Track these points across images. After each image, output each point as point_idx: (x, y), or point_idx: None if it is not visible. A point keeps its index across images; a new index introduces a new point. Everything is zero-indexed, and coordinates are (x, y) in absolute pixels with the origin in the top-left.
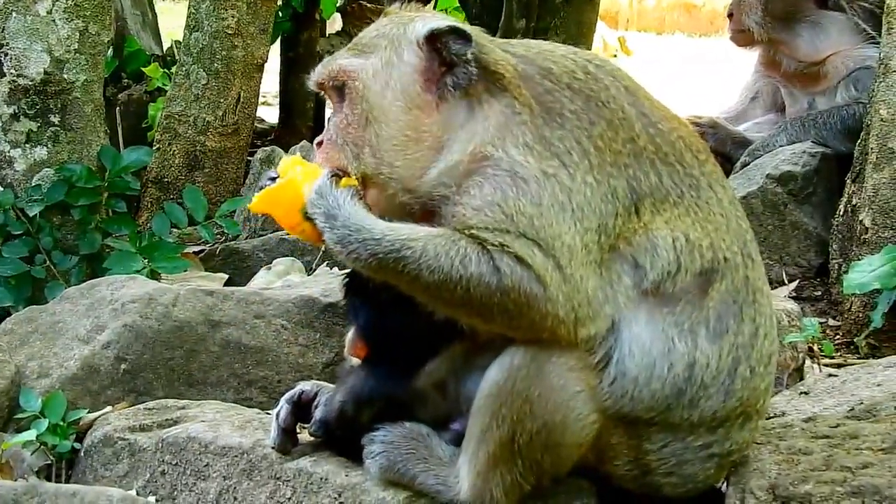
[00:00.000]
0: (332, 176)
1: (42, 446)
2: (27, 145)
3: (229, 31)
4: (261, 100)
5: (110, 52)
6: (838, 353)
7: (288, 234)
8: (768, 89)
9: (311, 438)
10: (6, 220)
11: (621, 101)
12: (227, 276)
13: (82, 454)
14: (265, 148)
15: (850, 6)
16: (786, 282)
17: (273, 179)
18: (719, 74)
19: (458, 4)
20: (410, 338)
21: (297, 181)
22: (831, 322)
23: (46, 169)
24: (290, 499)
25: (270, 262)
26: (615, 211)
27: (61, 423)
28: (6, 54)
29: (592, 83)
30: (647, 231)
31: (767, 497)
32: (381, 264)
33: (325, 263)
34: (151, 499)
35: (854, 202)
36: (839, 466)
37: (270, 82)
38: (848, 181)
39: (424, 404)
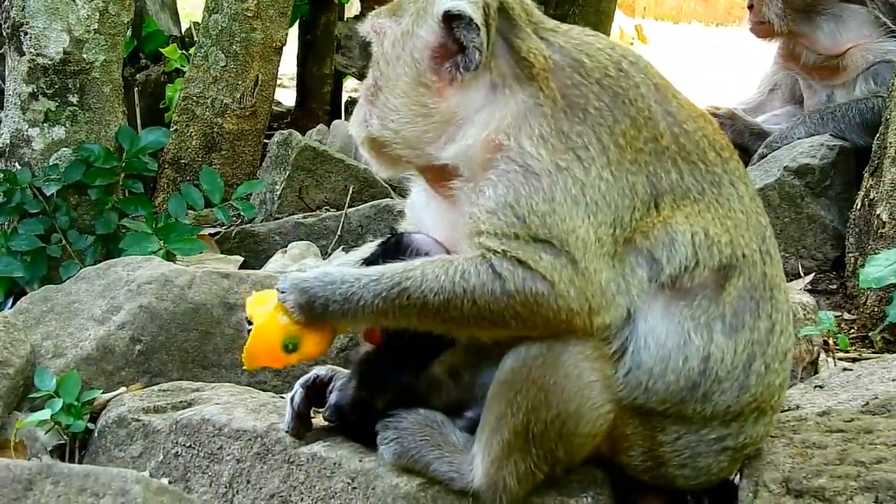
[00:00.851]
0: (288, 279)
1: (56, 426)
2: (45, 124)
3: (248, 14)
4: (278, 82)
5: (129, 32)
6: (853, 347)
7: (304, 219)
8: (787, 81)
9: (325, 423)
10: (23, 198)
11: (648, 100)
12: (242, 259)
13: (96, 434)
14: (282, 131)
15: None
16: (801, 275)
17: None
18: (736, 64)
19: None
20: None
21: (263, 325)
22: (846, 316)
23: (64, 148)
24: (303, 483)
25: (286, 246)
26: (632, 205)
27: (75, 403)
28: (26, 33)
29: (623, 80)
30: (665, 225)
31: (781, 490)
32: (387, 301)
33: (340, 248)
34: (164, 480)
35: (871, 196)
36: (853, 461)
37: (288, 65)
38: (866, 175)
39: (439, 391)
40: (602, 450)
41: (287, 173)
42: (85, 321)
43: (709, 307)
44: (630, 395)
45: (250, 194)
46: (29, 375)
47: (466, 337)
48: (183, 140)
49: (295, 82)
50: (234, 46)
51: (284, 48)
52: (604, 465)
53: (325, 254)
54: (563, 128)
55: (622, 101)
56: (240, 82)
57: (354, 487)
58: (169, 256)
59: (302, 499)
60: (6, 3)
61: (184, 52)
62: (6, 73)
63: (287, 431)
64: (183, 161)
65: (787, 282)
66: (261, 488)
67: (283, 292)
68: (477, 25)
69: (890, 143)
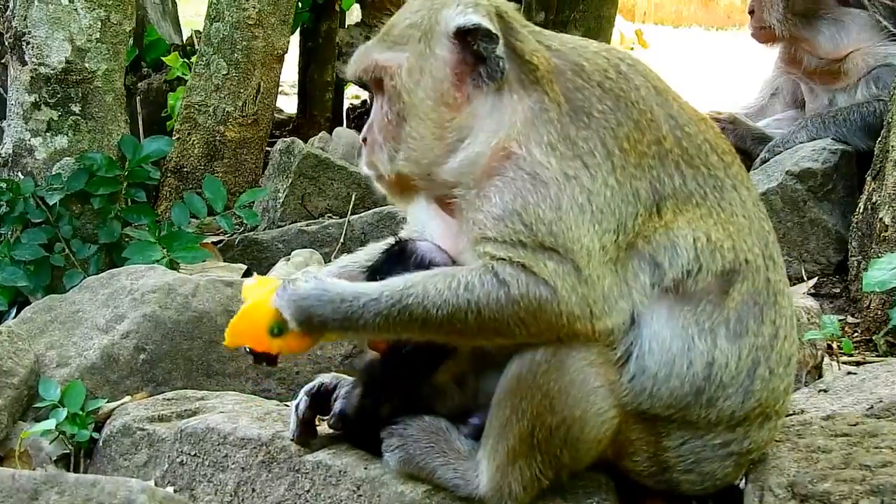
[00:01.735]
0: (288, 281)
1: (61, 435)
2: (48, 134)
3: (250, 22)
4: (279, 90)
5: (131, 41)
6: (857, 351)
7: (307, 226)
8: (788, 86)
9: (330, 431)
10: (26, 207)
11: (650, 103)
12: (245, 267)
13: (101, 444)
14: (284, 139)
15: (872, 3)
16: (805, 279)
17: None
18: (737, 68)
19: None
20: None
21: (253, 305)
22: (850, 319)
23: (67, 158)
24: (308, 491)
25: (289, 253)
26: (636, 211)
27: (80, 413)
28: (28, 43)
29: (623, 83)
30: (667, 230)
31: (786, 495)
32: (389, 319)
33: (343, 255)
34: (170, 489)
35: (874, 199)
36: (858, 465)
37: (289, 72)
38: (868, 178)
39: (443, 398)
40: (607, 455)
41: (290, 181)
42: (89, 330)
43: (713, 312)
44: (635, 401)
45: (253, 202)
46: (33, 385)
47: (468, 347)
48: (185, 148)
49: (297, 90)
50: (235, 54)
51: (286, 56)
52: (609, 470)
53: (328, 261)
54: (570, 133)
55: (625, 104)
56: (242, 90)
57: (360, 495)
58: (172, 265)
59: None
60: (8, 12)
61: (185, 60)
62: (8, 82)
63: (292, 439)
64: (185, 169)
65: (791, 286)
66: (266, 497)
67: (280, 307)
68: (494, 35)
69: (892, 146)
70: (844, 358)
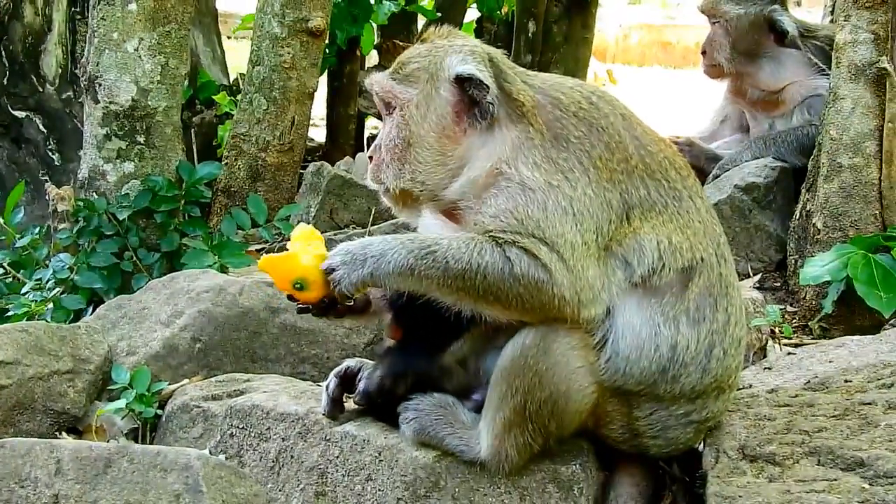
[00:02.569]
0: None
1: (130, 413)
2: (117, 161)
3: (286, 66)
4: (311, 122)
5: (186, 82)
6: (795, 335)
7: (335, 236)
8: (735, 113)
9: (356, 407)
10: (100, 222)
11: (618, 127)
12: None
13: (164, 419)
14: (315, 163)
15: (804, 44)
16: (751, 275)
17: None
18: (691, 100)
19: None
20: (438, 322)
21: (294, 256)
22: (789, 308)
23: (134, 180)
24: (338, 457)
25: None
26: (609, 218)
27: (146, 394)
28: (100, 84)
29: (594, 112)
30: (635, 235)
31: (738, 456)
32: (417, 259)
33: None
34: (222, 457)
35: (808, 208)
36: (798, 430)
37: (319, 107)
38: (803, 190)
39: (450, 378)
40: (587, 424)
41: (320, 198)
42: (153, 324)
43: (675, 303)
44: (611, 379)
45: (289, 216)
46: (107, 371)
47: (473, 311)
48: (232, 172)
49: (325, 122)
50: (273, 93)
51: (316, 93)
52: (589, 437)
53: None
54: (552, 155)
55: (597, 129)
56: (279, 123)
57: (381, 460)
58: (223, 269)
59: (337, 470)
60: (84, 59)
61: (232, 98)
62: (84, 117)
63: (324, 414)
64: (233, 189)
65: (739, 280)
66: (302, 462)
67: (332, 256)
68: (486, 85)
69: (823, 163)
70: (785, 341)
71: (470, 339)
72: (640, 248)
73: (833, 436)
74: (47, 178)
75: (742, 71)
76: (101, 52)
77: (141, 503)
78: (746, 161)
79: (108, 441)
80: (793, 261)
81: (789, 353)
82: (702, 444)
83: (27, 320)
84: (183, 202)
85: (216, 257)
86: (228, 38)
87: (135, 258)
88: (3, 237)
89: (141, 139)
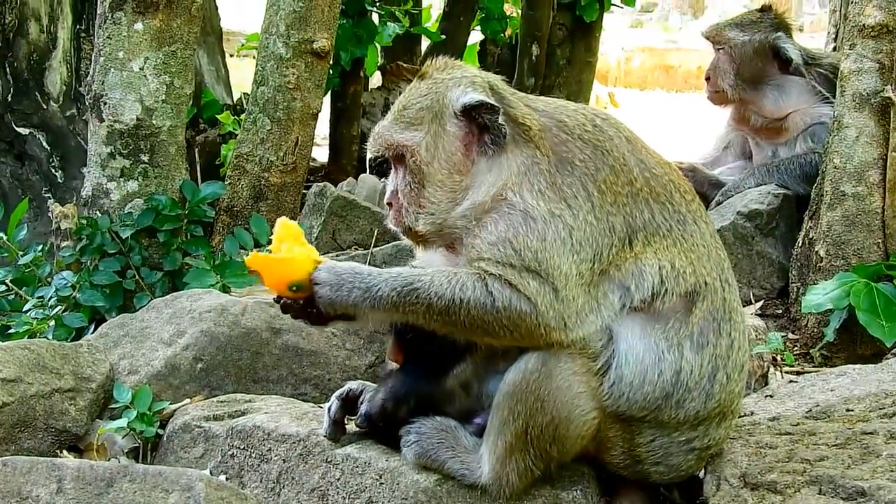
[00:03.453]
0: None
1: (131, 432)
2: (121, 179)
3: (290, 86)
4: (314, 143)
5: (190, 102)
6: (797, 363)
7: (337, 257)
8: (739, 140)
9: (357, 429)
10: (103, 240)
11: (622, 150)
12: None
13: (165, 439)
14: (318, 183)
15: (808, 72)
16: (753, 302)
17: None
18: (693, 126)
19: (478, 64)
20: (440, 345)
21: (291, 261)
22: (791, 336)
23: (137, 199)
24: (338, 479)
25: None
26: (611, 243)
27: (148, 413)
28: (105, 103)
29: (599, 134)
30: (636, 260)
31: (739, 484)
32: (400, 296)
33: None
34: (222, 477)
35: (811, 236)
36: (799, 459)
37: (322, 128)
38: (806, 218)
39: (452, 401)
40: (589, 450)
41: (322, 218)
42: (155, 343)
43: (679, 328)
44: (613, 404)
45: None
46: (109, 389)
47: (468, 340)
48: (235, 191)
49: (328, 142)
50: (277, 113)
51: (319, 114)
52: (590, 462)
53: None
54: (557, 181)
55: (601, 152)
56: (283, 143)
57: (382, 483)
58: (225, 289)
59: (338, 492)
60: (89, 78)
61: (236, 118)
62: (88, 136)
63: (325, 436)
64: (236, 209)
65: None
66: (303, 484)
67: (319, 278)
68: (496, 107)
69: (826, 191)
70: (787, 368)
71: (472, 362)
72: (640, 272)
73: (834, 465)
74: (50, 195)
75: (746, 98)
76: (107, 70)
77: None
78: (749, 188)
79: (108, 460)
80: (795, 288)
81: (791, 381)
82: (703, 472)
83: (29, 338)
84: (186, 221)
85: (218, 277)
86: (231, 56)
87: (137, 277)
88: (6, 254)
89: (145, 158)
